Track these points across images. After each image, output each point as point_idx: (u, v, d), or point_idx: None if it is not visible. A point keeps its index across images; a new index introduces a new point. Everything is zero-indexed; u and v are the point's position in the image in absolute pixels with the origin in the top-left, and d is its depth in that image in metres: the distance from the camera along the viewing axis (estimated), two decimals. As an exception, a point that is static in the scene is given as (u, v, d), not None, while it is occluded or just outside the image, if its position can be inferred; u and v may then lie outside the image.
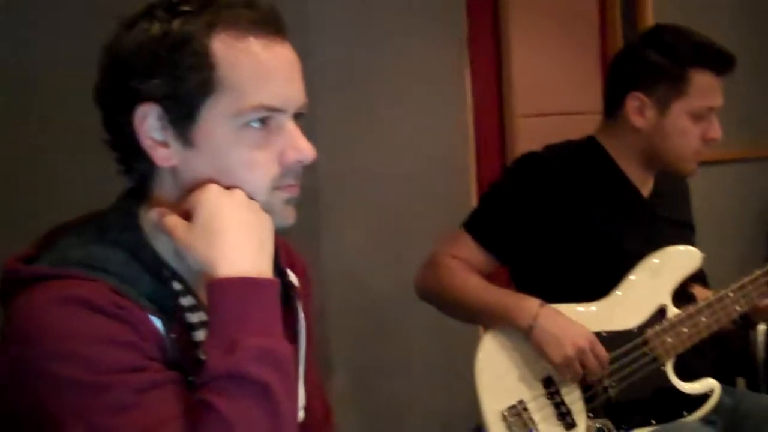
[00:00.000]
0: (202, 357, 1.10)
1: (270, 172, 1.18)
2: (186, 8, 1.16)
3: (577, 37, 3.67)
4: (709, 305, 2.06)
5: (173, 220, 1.16)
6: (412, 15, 3.07)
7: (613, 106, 2.14)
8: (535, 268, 2.14)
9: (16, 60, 2.20)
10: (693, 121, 2.05)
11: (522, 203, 2.08)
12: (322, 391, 1.49)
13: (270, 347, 1.09)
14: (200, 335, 1.19)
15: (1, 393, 1.10)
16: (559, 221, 2.06)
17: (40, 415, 1.05)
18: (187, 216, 1.15)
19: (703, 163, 2.16)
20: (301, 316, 1.37)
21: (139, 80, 1.15)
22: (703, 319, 2.05)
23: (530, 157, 2.16)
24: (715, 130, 2.07)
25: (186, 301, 1.20)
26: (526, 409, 1.99)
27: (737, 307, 2.07)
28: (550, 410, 1.99)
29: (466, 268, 2.09)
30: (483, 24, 3.40)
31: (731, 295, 2.07)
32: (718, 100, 2.06)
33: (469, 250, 2.11)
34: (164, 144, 1.17)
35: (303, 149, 1.19)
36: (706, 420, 2.05)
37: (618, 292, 2.05)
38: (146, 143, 1.17)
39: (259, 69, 1.16)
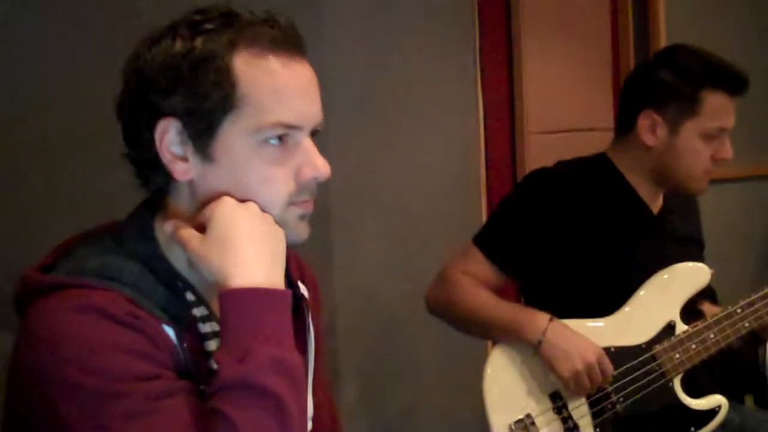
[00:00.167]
0: (214, 367, 1.12)
1: (286, 187, 1.20)
2: (208, 26, 1.18)
3: (590, 54, 3.68)
4: (717, 322, 2.06)
5: (188, 232, 1.18)
6: (425, 33, 3.09)
7: (625, 124, 2.15)
8: (544, 284, 2.15)
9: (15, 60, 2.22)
10: (704, 141, 2.06)
11: (532, 219, 2.09)
12: (331, 403, 1.51)
13: (282, 357, 1.10)
14: (212, 345, 1.21)
15: (15, 398, 1.12)
16: (568, 237, 2.07)
17: (53, 421, 1.07)
18: (202, 228, 1.18)
19: (713, 181, 2.16)
20: (311, 327, 1.39)
21: (161, 96, 1.17)
22: (712, 335, 2.06)
23: (541, 173, 2.17)
24: (727, 151, 2.08)
25: (199, 311, 1.23)
26: (533, 423, 1.99)
27: (746, 324, 2.08)
28: (557, 424, 2.00)
29: (476, 283, 2.10)
30: (495, 41, 3.41)
31: (740, 311, 2.08)
32: (730, 121, 2.07)
33: (479, 265, 2.12)
34: (183, 158, 1.19)
35: (319, 166, 1.22)
36: (713, 436, 2.06)
37: (627, 308, 2.06)
38: (166, 157, 1.19)
39: (278, 87, 1.18)
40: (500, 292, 2.14)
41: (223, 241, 1.15)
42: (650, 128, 2.09)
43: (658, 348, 2.03)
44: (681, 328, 2.05)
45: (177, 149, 1.19)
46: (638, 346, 2.03)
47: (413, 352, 3.08)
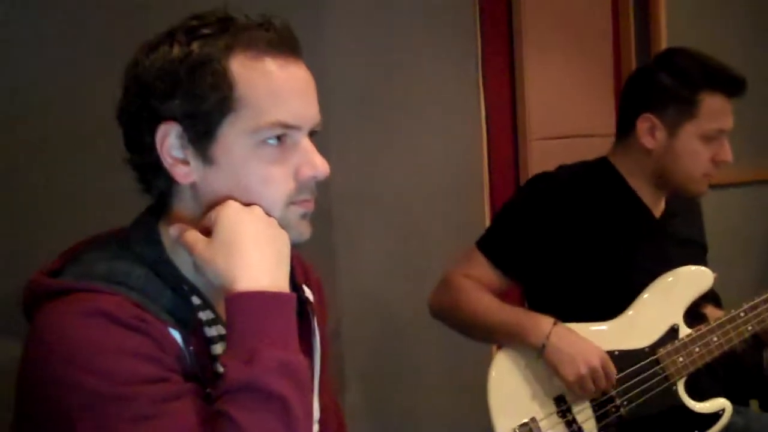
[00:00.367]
0: (221, 370, 1.13)
1: (286, 187, 1.22)
2: (205, 31, 1.19)
3: (592, 60, 3.68)
4: (720, 325, 2.07)
5: (193, 236, 1.19)
6: (426, 35, 3.09)
7: (625, 128, 2.16)
8: (547, 287, 2.15)
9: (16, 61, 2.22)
10: (703, 144, 2.07)
11: (534, 222, 2.10)
12: (337, 405, 1.52)
13: (288, 360, 1.11)
14: (218, 348, 1.22)
15: (24, 401, 1.13)
16: (571, 240, 2.08)
17: (61, 423, 1.07)
18: (207, 232, 1.19)
19: (714, 185, 2.17)
20: (317, 330, 1.40)
21: (160, 100, 1.19)
22: (715, 339, 2.06)
23: (543, 177, 2.18)
24: (726, 153, 2.08)
25: (205, 315, 1.23)
26: (538, 427, 2.00)
27: (749, 327, 2.08)
28: (561, 428, 2.01)
29: (479, 287, 2.11)
30: (497, 46, 3.41)
31: (743, 315, 2.08)
32: (728, 123, 2.08)
33: (482, 269, 2.13)
34: (184, 161, 1.21)
35: (318, 165, 1.23)
36: (717, 440, 2.07)
37: (630, 312, 2.07)
38: (167, 161, 1.20)
39: (275, 88, 1.20)
40: (503, 296, 2.14)
41: (229, 244, 1.16)
42: (649, 131, 2.10)
43: (661, 351, 2.03)
44: (684, 331, 2.06)
45: (178, 153, 1.20)
46: (642, 350, 2.04)
47: (417, 355, 3.08)
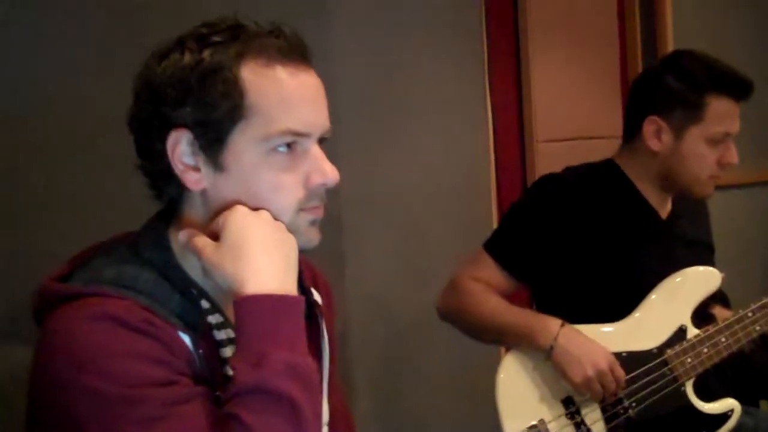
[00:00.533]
0: (230, 373, 1.14)
1: (296, 194, 1.22)
2: (216, 39, 1.20)
3: (598, 62, 3.69)
4: (728, 325, 2.07)
5: (202, 241, 1.19)
6: (433, 40, 3.10)
7: (631, 130, 2.17)
8: (555, 289, 2.16)
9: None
10: (709, 146, 2.07)
11: (541, 224, 2.10)
12: (346, 408, 1.52)
13: (296, 362, 1.12)
14: (227, 352, 1.23)
15: (35, 405, 1.14)
16: (578, 242, 2.08)
17: (71, 427, 1.08)
18: (215, 237, 1.19)
19: (720, 187, 2.17)
20: (325, 333, 1.40)
21: (171, 108, 1.19)
22: (723, 339, 2.06)
23: (549, 179, 2.19)
24: (732, 155, 2.09)
25: (214, 318, 1.24)
26: (547, 429, 2.00)
27: (757, 327, 2.08)
28: (570, 430, 2.00)
29: (487, 289, 2.11)
30: (504, 49, 3.42)
31: (751, 315, 2.08)
32: (734, 126, 2.08)
33: (490, 271, 2.13)
34: (195, 168, 1.21)
35: (328, 172, 1.24)
36: (726, 440, 2.06)
37: (638, 313, 2.07)
38: (178, 168, 1.21)
39: (285, 96, 1.20)
40: (511, 297, 2.15)
41: (237, 249, 1.16)
42: (655, 134, 2.10)
43: (669, 352, 2.03)
44: (692, 332, 2.06)
45: (189, 159, 1.21)
46: (650, 351, 2.04)
47: (425, 358, 3.08)
